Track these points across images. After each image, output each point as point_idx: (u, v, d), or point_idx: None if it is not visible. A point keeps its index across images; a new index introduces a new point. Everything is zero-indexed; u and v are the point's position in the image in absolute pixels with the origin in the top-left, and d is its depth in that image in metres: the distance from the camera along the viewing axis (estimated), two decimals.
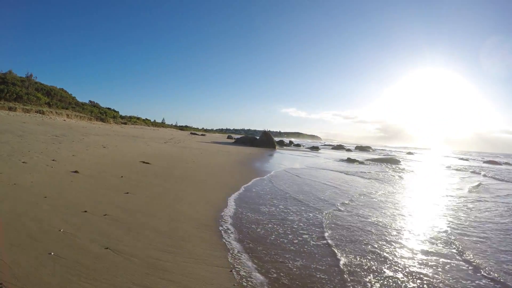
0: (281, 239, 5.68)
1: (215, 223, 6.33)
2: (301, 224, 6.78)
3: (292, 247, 5.34)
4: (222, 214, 7.06)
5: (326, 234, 6.18)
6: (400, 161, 30.53)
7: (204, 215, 6.81)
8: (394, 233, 6.58)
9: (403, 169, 23.60)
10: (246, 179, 12.16)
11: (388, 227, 7.02)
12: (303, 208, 8.24)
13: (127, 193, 7.66)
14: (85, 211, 5.80)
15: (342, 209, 8.44)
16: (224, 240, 5.37)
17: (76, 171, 9.13)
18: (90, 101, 66.55)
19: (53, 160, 10.20)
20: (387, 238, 6.20)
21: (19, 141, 12.80)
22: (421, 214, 8.84)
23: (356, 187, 12.55)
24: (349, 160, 27.59)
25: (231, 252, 4.90)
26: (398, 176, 18.10)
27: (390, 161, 29.71)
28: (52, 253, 3.92)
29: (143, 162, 12.88)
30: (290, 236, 5.90)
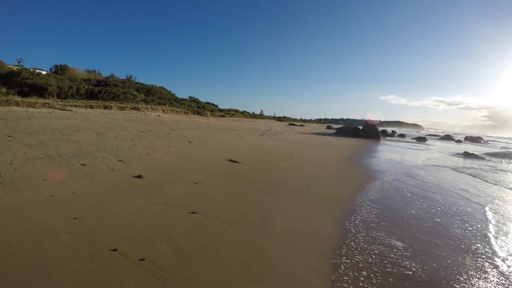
0: None
1: None
2: None
3: None
4: (338, 270, 4.15)
5: None
6: None
7: (305, 269, 4.09)
8: None
9: None
10: (361, 185, 9.61)
11: None
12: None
13: (193, 212, 5.65)
14: (115, 250, 3.99)
15: None
16: None
17: (139, 176, 7.61)
18: (190, 96, 70.19)
19: (119, 160, 8.93)
20: None
21: (94, 139, 11.95)
22: None
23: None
24: (467, 155, 23.48)
25: None
26: None
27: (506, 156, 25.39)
28: None
29: (230, 161, 11.10)
30: None
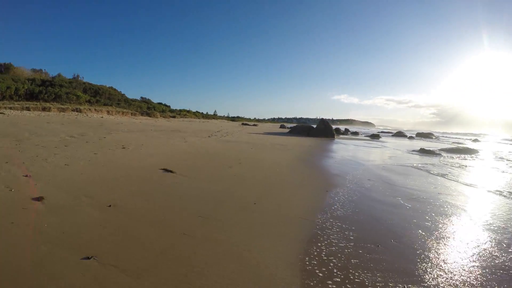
0: None
1: None
2: None
3: None
4: None
5: None
6: (479, 151, 26.45)
7: None
8: None
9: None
10: (321, 195, 7.81)
11: None
12: None
13: (89, 258, 3.63)
14: None
15: None
16: None
17: (40, 198, 5.42)
18: (141, 97, 68.43)
19: (26, 176, 6.73)
20: None
21: (11, 147, 9.85)
22: None
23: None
24: (423, 151, 22.70)
25: None
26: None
27: (469, 151, 25.54)
28: None
29: (165, 170, 8.92)
30: None
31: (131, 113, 40.92)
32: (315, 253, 4.38)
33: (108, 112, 36.25)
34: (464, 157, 21.67)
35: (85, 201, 5.64)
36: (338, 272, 3.88)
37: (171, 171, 8.82)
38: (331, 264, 4.07)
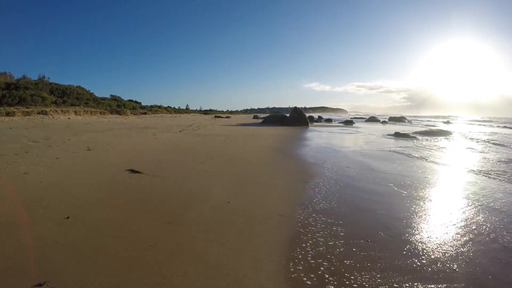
0: None
1: None
2: None
3: None
4: None
5: None
6: (452, 133, 26.86)
7: None
8: None
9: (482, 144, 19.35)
10: (299, 187, 7.25)
11: None
12: None
13: (42, 284, 2.92)
14: None
15: None
16: None
17: None
18: (111, 95, 66.49)
19: None
20: None
21: None
22: None
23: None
24: (399, 135, 22.84)
25: None
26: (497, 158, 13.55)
27: (443, 133, 25.90)
28: None
29: (132, 171, 8.08)
30: None
31: (100, 112, 39.32)
32: (300, 256, 3.76)
33: (75, 112, 34.43)
34: (440, 139, 21.78)
35: (41, 213, 4.82)
36: (331, 278, 3.27)
37: (138, 172, 8.02)
38: (321, 269, 3.45)
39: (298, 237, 4.30)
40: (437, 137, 22.96)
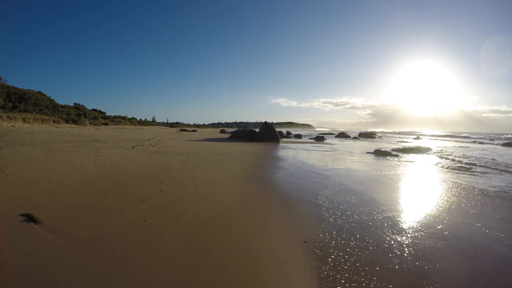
0: None
1: None
2: None
3: None
4: None
5: None
6: (431, 149, 25.57)
7: None
8: None
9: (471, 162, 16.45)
10: (296, 260, 4.05)
11: None
12: None
13: None
14: None
15: None
16: None
17: None
18: (74, 103, 62.85)
19: None
20: None
21: None
22: None
23: None
24: (379, 153, 20.50)
25: None
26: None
27: (422, 150, 24.38)
28: None
29: (28, 218, 4.93)
30: None
31: (54, 120, 35.10)
32: None
33: (24, 119, 30.33)
34: (423, 156, 20.64)
35: None
36: None
37: (34, 220, 4.86)
38: None
39: None
40: (417, 154, 21.95)
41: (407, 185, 9.59)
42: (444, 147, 31.67)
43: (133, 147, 17.00)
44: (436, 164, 15.48)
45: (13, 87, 42.74)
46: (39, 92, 49.27)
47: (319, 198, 7.50)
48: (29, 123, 30.05)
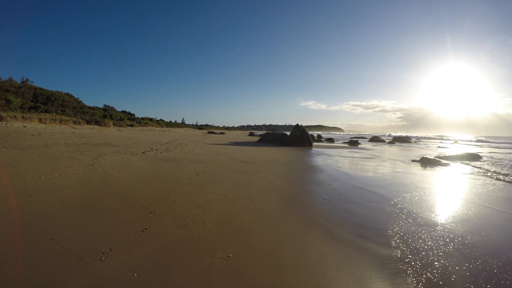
0: None
1: None
2: None
3: None
4: None
5: None
6: (481, 156, 22.00)
7: None
8: None
9: None
10: None
11: None
12: None
13: None
14: None
15: None
16: None
17: None
18: (104, 105, 62.20)
19: None
20: None
21: None
22: None
23: None
24: (427, 161, 17.22)
25: None
26: None
27: (472, 158, 20.53)
28: None
29: None
30: None
31: (74, 121, 33.38)
32: None
33: (40, 120, 28.67)
34: (483, 165, 17.25)
35: None
36: None
37: None
38: None
39: None
40: (470, 162, 18.78)
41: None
42: (490, 153, 28.39)
43: (144, 152, 14.33)
44: None
45: (40, 88, 41.78)
46: (67, 94, 48.01)
47: (392, 242, 4.67)
48: (45, 123, 28.31)
